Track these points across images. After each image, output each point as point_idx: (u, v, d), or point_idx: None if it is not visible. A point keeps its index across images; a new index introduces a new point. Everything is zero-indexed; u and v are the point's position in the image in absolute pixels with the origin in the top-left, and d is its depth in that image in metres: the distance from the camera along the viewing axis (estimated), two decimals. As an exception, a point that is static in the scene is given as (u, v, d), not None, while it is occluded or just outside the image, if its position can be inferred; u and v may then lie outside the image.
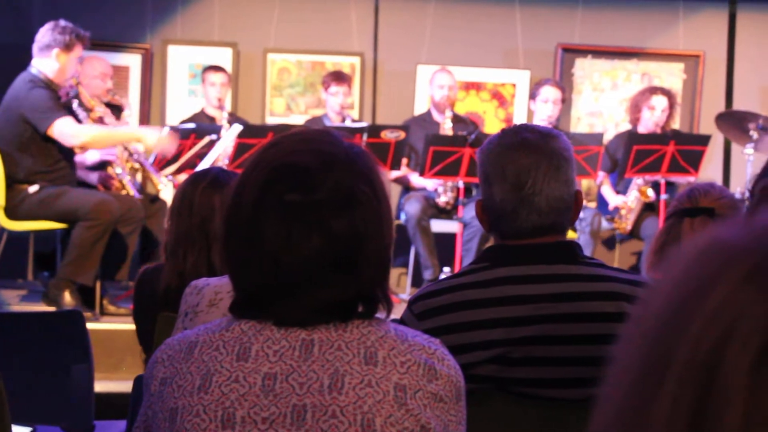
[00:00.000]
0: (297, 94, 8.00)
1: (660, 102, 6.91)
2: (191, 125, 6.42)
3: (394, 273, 7.61)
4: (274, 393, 1.53)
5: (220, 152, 6.18)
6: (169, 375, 1.58)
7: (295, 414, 1.52)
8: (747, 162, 6.74)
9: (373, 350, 1.55)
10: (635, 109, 7.04)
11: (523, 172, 2.24)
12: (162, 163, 6.13)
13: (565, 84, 7.53)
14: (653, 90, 7.04)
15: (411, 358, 1.56)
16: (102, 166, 6.44)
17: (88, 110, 6.19)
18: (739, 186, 6.95)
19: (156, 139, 5.82)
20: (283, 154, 1.59)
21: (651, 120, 6.89)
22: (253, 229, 1.55)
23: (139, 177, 6.53)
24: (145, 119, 7.68)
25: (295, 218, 1.53)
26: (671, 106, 6.96)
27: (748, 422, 0.62)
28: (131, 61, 7.78)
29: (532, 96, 7.05)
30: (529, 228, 2.26)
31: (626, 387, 0.70)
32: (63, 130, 5.61)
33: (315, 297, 1.55)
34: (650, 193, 6.69)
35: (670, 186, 6.73)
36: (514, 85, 8.11)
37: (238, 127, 6.18)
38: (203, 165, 5.89)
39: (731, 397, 0.63)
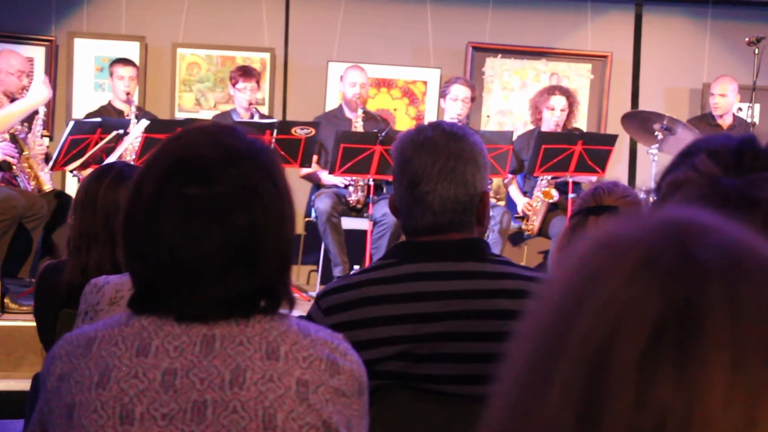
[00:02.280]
0: (206, 89, 7.92)
1: (559, 102, 6.99)
2: (98, 119, 6.31)
3: (305, 270, 7.59)
4: (174, 389, 1.50)
5: (127, 147, 6.09)
6: (67, 371, 1.55)
7: (196, 410, 1.49)
8: (652, 162, 6.86)
9: (275, 345, 1.54)
10: (535, 110, 7.13)
11: (418, 171, 2.24)
12: (67, 158, 6.01)
13: (475, 82, 7.58)
14: (551, 90, 7.12)
15: (313, 353, 1.54)
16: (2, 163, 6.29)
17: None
18: (644, 185, 7.08)
19: (45, 94, 5.77)
20: (183, 147, 1.57)
21: (552, 120, 6.98)
22: (151, 222, 1.53)
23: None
24: (50, 112, 7.52)
25: (194, 212, 1.51)
26: (571, 104, 7.05)
27: (635, 411, 0.63)
28: (35, 53, 7.62)
29: (443, 94, 7.07)
30: (426, 226, 2.26)
31: (518, 381, 0.70)
32: None
33: (214, 291, 1.53)
34: (554, 193, 6.78)
35: (577, 185, 6.82)
36: (425, 83, 8.14)
37: (145, 122, 6.09)
38: (110, 160, 5.79)
39: (619, 387, 0.63)
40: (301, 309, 2.80)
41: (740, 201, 1.26)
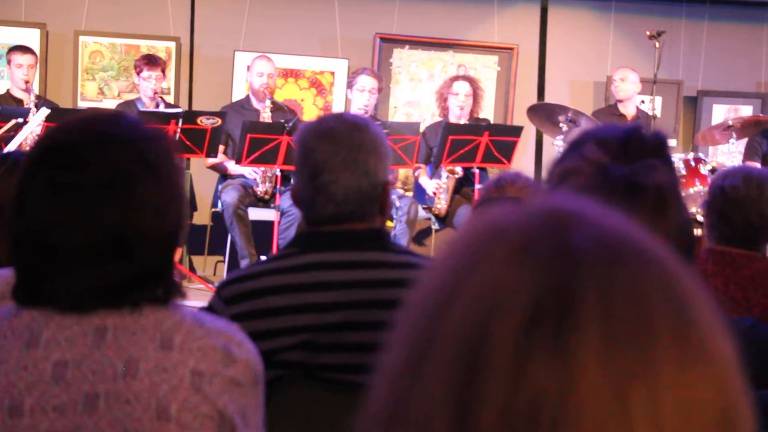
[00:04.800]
0: (110, 78, 7.79)
1: (462, 87, 7.05)
2: (-4, 108, 6.17)
3: (211, 261, 7.52)
4: (65, 381, 1.47)
5: (27, 136, 5.97)
6: (-46, 364, 1.50)
7: (88, 401, 1.46)
8: (557, 153, 6.94)
9: (169, 335, 1.51)
10: (441, 99, 7.18)
11: (320, 162, 2.24)
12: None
13: (383, 74, 7.59)
14: (454, 78, 7.20)
15: (208, 343, 1.52)
16: None
17: None
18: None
19: None
20: (57, 132, 1.54)
21: (456, 105, 7.02)
22: (22, 209, 1.50)
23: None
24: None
25: (62, 198, 1.48)
26: (475, 90, 7.11)
27: (511, 396, 0.62)
28: (-69, 39, 7.42)
29: (350, 85, 7.07)
30: (328, 216, 2.26)
31: (395, 368, 0.69)
32: None
33: (90, 279, 1.49)
34: (458, 169, 6.82)
35: (483, 171, 6.87)
36: (332, 74, 8.12)
37: (45, 111, 5.98)
38: (8, 149, 5.65)
39: (495, 372, 0.63)
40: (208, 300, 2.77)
41: (628, 187, 1.28)
